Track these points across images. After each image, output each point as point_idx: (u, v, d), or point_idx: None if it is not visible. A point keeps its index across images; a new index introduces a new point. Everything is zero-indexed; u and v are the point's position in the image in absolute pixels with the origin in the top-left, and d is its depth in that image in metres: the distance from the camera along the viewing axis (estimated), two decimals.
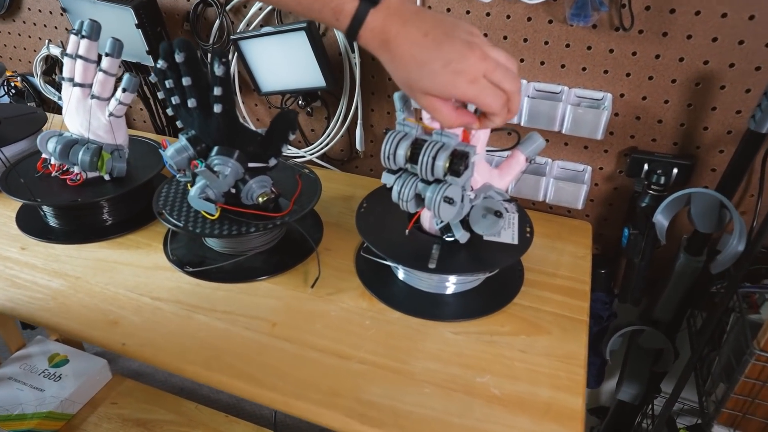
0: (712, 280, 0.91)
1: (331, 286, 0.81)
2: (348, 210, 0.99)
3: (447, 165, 0.67)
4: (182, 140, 0.77)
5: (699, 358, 0.89)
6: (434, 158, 0.67)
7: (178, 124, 0.78)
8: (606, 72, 0.88)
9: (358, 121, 1.07)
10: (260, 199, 0.80)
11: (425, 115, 0.73)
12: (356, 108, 1.05)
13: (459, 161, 0.67)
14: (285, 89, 1.04)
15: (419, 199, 0.73)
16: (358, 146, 1.10)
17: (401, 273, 0.82)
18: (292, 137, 0.79)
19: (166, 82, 0.73)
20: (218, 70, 0.69)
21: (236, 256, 0.85)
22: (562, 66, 0.90)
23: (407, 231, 0.78)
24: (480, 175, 0.75)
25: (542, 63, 0.90)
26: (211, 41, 1.07)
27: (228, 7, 1.05)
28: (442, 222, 0.76)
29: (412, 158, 0.69)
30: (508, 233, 0.80)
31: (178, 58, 0.69)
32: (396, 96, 0.72)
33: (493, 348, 0.71)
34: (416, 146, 0.69)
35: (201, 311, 0.76)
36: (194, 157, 0.76)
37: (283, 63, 1.00)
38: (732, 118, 0.84)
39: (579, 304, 0.79)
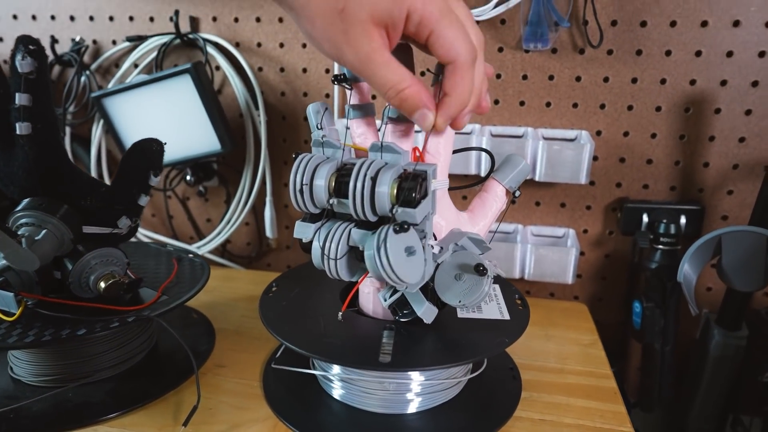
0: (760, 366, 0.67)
1: (222, 421, 0.49)
2: (254, 312, 0.68)
3: (394, 191, 0.42)
4: None
5: None
6: (374, 180, 0.42)
7: None
8: (575, 105, 0.70)
9: (267, 199, 0.82)
10: (102, 284, 0.50)
11: (356, 131, 0.49)
12: (263, 181, 0.81)
13: (412, 183, 0.42)
14: (168, 160, 0.79)
15: (355, 259, 0.47)
16: (268, 233, 0.83)
17: (337, 389, 0.52)
18: (154, 181, 0.52)
19: None
20: (24, 65, 0.43)
21: (56, 386, 0.51)
22: (521, 103, 0.72)
23: (340, 315, 0.50)
24: (444, 218, 0.50)
25: (496, 102, 0.73)
26: (64, 105, 0.81)
27: (93, 67, 0.82)
28: (393, 294, 0.49)
29: (339, 190, 0.44)
30: (492, 307, 0.53)
31: None
32: (310, 109, 0.49)
33: None
34: (344, 173, 0.44)
35: None
36: None
37: (162, 123, 0.76)
38: (735, 148, 0.68)
39: (612, 408, 0.52)
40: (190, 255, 0.65)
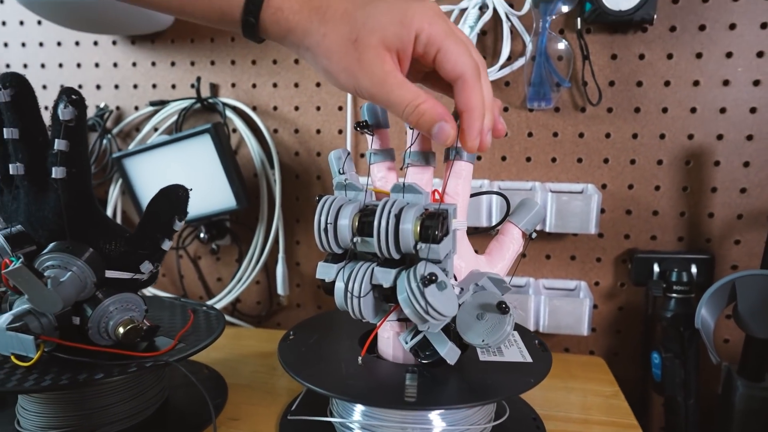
0: None
1: None
2: (266, 368, 0.68)
3: (418, 228, 0.43)
4: None
5: None
6: (398, 218, 0.44)
7: None
8: (580, 160, 0.73)
9: (279, 256, 0.82)
10: (120, 330, 0.49)
11: (376, 175, 0.51)
12: (276, 238, 0.82)
13: (434, 221, 0.44)
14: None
15: (378, 299, 0.47)
16: (280, 290, 0.83)
17: None
18: (178, 226, 0.53)
19: None
20: (65, 112, 0.46)
21: None
22: (528, 159, 0.75)
23: (360, 358, 0.50)
24: (464, 260, 0.51)
25: (503, 158, 0.75)
26: None
27: (115, 131, 0.86)
28: (415, 336, 0.49)
29: (362, 229, 0.45)
30: (513, 351, 0.53)
31: (2, 96, 0.46)
32: (332, 155, 0.51)
33: None
34: (367, 213, 0.46)
35: None
36: (9, 255, 0.47)
37: (180, 182, 0.78)
38: (738, 199, 0.70)
39: None
40: (205, 307, 0.65)
